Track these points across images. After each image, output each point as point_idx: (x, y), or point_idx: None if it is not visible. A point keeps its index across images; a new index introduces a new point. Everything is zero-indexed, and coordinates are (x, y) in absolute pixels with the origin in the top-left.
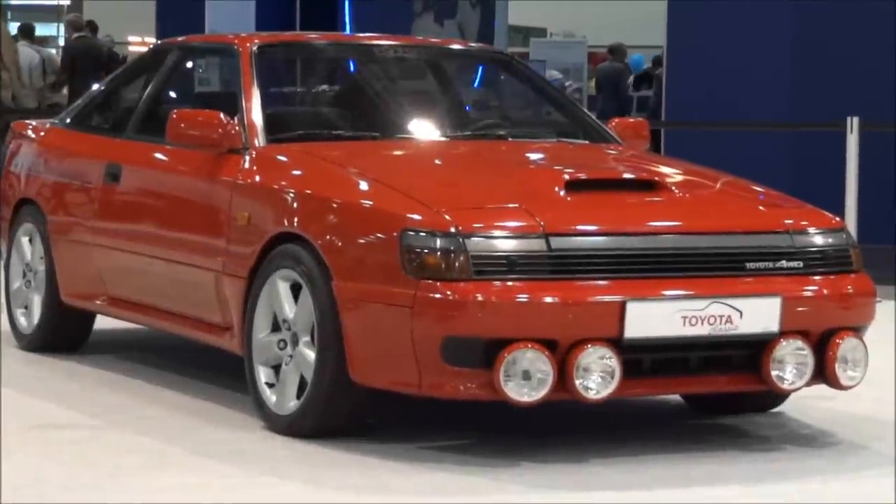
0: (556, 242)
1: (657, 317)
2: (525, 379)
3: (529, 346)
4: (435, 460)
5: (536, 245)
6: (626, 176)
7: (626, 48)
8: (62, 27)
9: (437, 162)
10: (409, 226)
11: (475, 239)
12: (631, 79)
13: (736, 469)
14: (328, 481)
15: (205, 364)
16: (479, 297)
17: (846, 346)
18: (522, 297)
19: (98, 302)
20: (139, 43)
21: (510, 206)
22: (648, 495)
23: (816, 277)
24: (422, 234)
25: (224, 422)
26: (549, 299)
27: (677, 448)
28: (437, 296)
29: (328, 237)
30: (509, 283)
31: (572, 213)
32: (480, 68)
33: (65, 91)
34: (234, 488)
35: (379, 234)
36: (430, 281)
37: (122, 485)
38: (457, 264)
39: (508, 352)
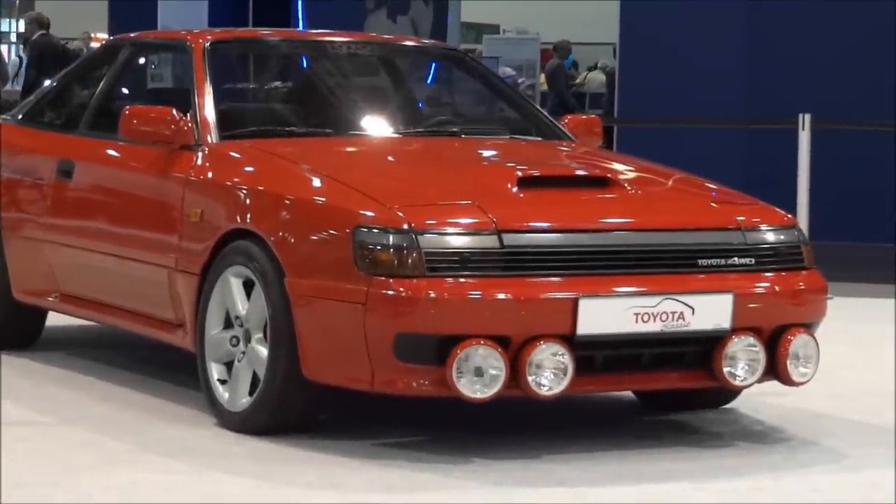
0: (509, 239)
1: (609, 313)
2: (477, 375)
3: (482, 342)
4: (387, 457)
5: (489, 242)
6: (579, 173)
7: (569, 45)
8: (15, 24)
9: (390, 159)
10: (361, 222)
11: (428, 236)
12: (584, 76)
13: (688, 465)
14: (280, 478)
15: (157, 361)
16: (432, 294)
17: (798, 342)
18: (475, 294)
19: (50, 299)
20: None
21: (463, 202)
22: (601, 492)
23: (768, 274)
24: (374, 230)
25: (176, 418)
26: (501, 296)
27: (630, 444)
28: (390, 292)
29: (281, 234)
30: (462, 280)
31: (525, 210)
32: (433, 65)
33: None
34: (187, 485)
35: (332, 231)
36: (382, 277)
37: (75, 482)
38: (409, 261)
39: (461, 348)
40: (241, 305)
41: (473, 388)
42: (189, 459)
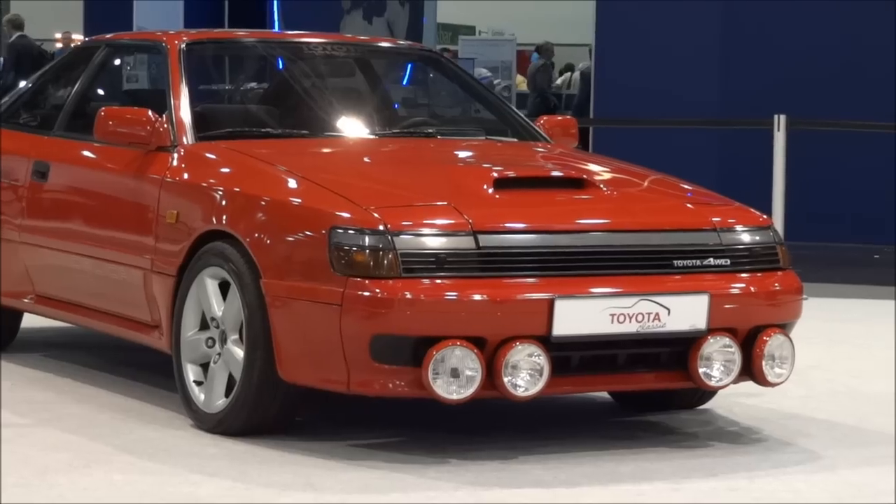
0: (485, 240)
1: (585, 314)
2: (454, 377)
3: (458, 343)
4: (363, 458)
5: (465, 243)
6: (555, 174)
7: (552, 46)
8: None
9: (365, 160)
10: (337, 224)
11: (404, 237)
12: (566, 77)
13: (663, 466)
14: (256, 479)
15: (133, 362)
16: (408, 295)
17: (773, 343)
18: (451, 295)
19: (26, 300)
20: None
21: (439, 204)
22: (576, 492)
23: (744, 275)
24: (350, 231)
25: (153, 420)
26: (477, 297)
27: (605, 445)
28: (366, 293)
29: (257, 235)
30: (438, 281)
31: (501, 211)
32: (409, 66)
33: None
34: (162, 486)
35: (308, 232)
36: (358, 279)
37: (50, 483)
38: (385, 262)
39: (437, 349)
40: (216, 307)
41: (449, 390)
42: (165, 461)
